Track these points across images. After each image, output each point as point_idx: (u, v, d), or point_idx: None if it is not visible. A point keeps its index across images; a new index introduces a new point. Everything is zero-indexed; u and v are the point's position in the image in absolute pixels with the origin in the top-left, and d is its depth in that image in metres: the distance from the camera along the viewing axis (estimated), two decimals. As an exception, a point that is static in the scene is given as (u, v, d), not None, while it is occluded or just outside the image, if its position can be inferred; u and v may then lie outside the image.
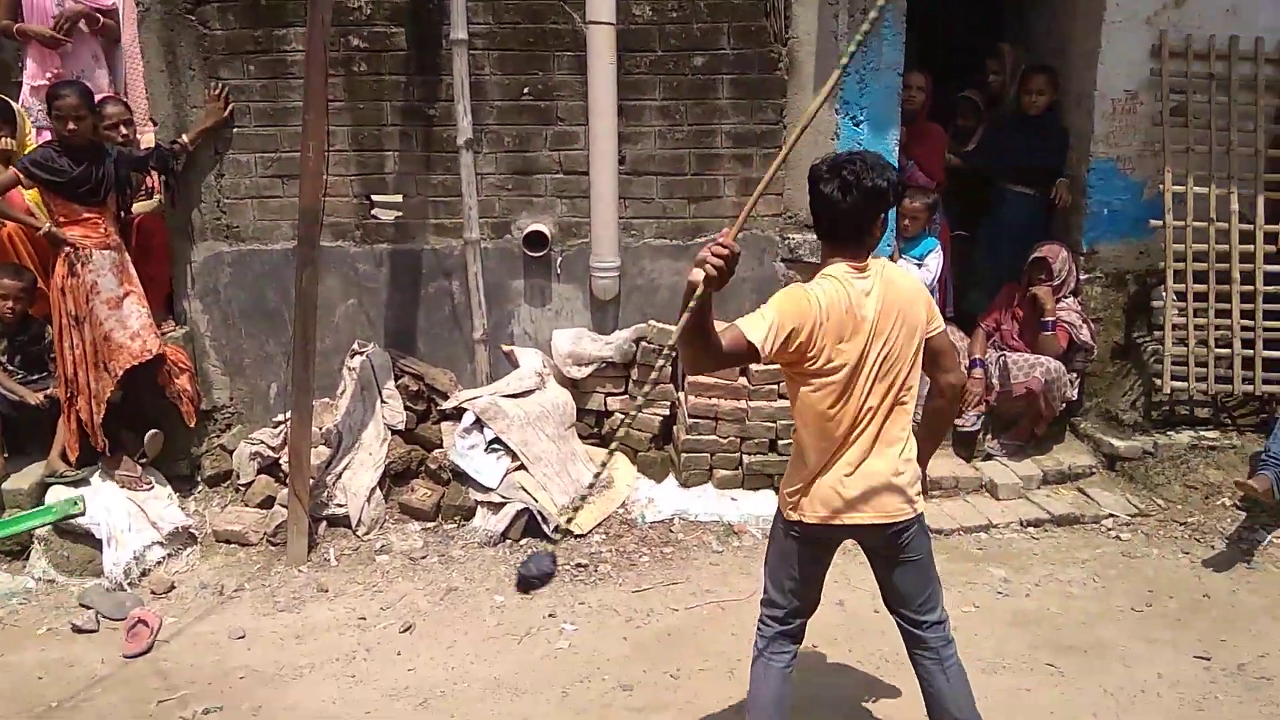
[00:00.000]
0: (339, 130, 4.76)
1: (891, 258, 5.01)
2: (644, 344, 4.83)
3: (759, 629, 2.89)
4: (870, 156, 2.57)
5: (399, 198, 4.93)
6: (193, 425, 4.74)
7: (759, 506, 4.61)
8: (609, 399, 4.93)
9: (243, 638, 3.80)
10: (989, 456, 5.09)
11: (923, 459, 2.76)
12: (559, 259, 4.96)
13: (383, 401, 4.78)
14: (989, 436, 5.14)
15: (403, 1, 4.66)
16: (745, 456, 4.71)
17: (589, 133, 4.75)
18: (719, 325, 2.51)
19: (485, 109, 4.79)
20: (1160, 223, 4.97)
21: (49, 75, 4.91)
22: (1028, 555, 4.37)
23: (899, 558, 2.73)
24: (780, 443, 4.68)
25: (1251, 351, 4.95)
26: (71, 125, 4.12)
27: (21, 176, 4.13)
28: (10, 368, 4.48)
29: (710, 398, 4.65)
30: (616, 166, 4.79)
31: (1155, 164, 5.05)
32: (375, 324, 5.01)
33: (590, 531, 4.47)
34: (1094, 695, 3.36)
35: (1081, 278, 5.19)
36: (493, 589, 4.08)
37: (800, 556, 2.78)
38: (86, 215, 4.27)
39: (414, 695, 3.40)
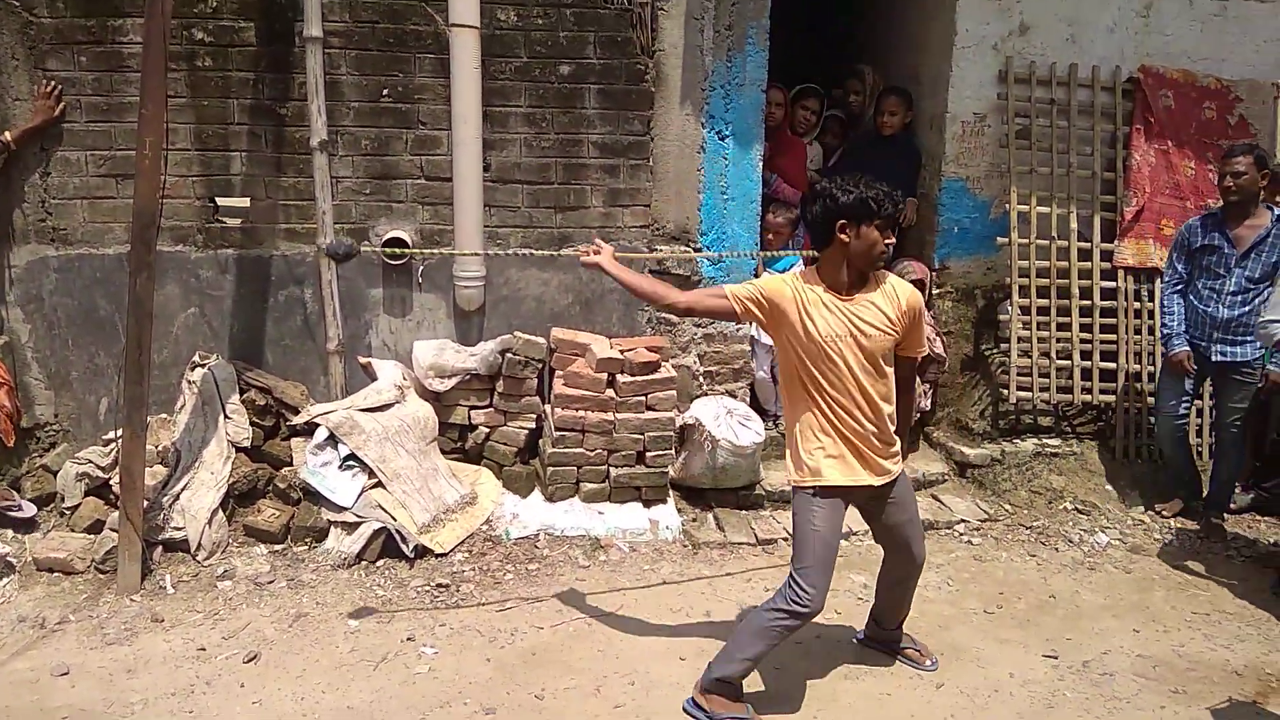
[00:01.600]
0: (181, 128, 4.48)
1: (756, 271, 5.08)
2: (510, 356, 4.71)
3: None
4: (850, 178, 3.04)
5: (246, 201, 4.66)
6: (11, 444, 4.33)
7: (627, 519, 4.56)
8: (473, 412, 4.79)
9: (66, 674, 3.46)
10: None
11: None
12: (420, 267, 4.80)
13: (226, 417, 4.48)
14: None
15: (252, -6, 4.43)
16: (612, 469, 4.65)
17: (452, 138, 4.62)
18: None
19: (341, 110, 4.59)
20: (1006, 240, 5.21)
21: None
22: (887, 562, 4.46)
23: None
24: (649, 454, 4.64)
25: (1089, 363, 5.25)
26: None
27: None
28: None
29: (577, 410, 4.57)
30: (481, 173, 4.67)
31: (1001, 184, 5.30)
32: (219, 334, 4.71)
33: (452, 550, 4.30)
34: (951, 696, 3.43)
35: (934, 292, 5.38)
36: (346, 613, 3.86)
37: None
38: None
39: (258, 730, 3.17)
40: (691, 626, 3.84)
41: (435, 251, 4.67)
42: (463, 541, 4.35)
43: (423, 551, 4.26)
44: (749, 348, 5.16)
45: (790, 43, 5.45)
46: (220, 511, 4.27)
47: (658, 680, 3.46)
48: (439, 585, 4.07)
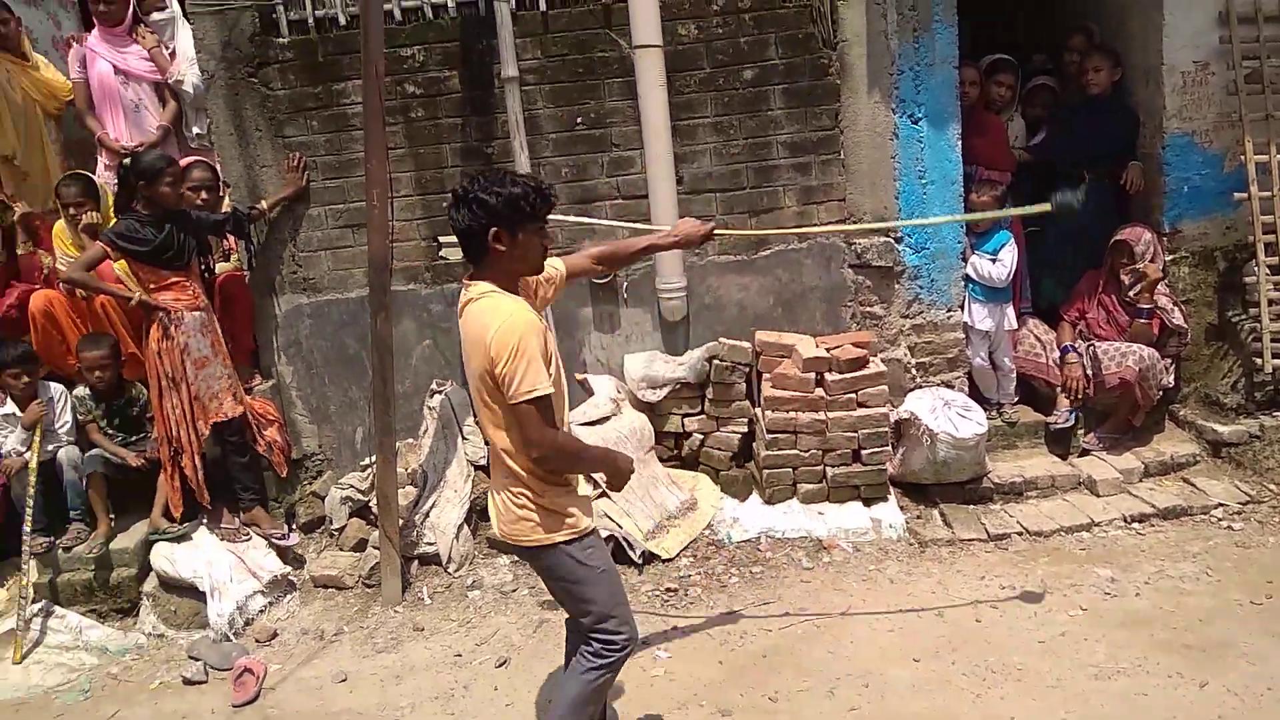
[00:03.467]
0: (402, 176, 4.87)
1: (963, 255, 4.91)
2: (717, 362, 4.80)
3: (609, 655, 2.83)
4: (495, 173, 2.63)
5: (464, 237, 4.99)
6: (284, 475, 4.86)
7: (847, 519, 4.53)
8: (686, 420, 4.91)
9: (345, 680, 3.87)
10: (1085, 452, 4.91)
11: None
12: (625, 284, 4.97)
13: (464, 438, 4.84)
14: (1084, 431, 4.96)
15: (454, 46, 4.75)
16: (829, 469, 4.63)
17: (645, 156, 4.76)
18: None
19: (541, 142, 4.84)
20: (1245, 195, 4.75)
21: (130, 144, 5.15)
22: (1134, 552, 4.19)
23: None
24: (864, 452, 4.59)
25: (1358, 320, 4.69)
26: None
27: (109, 249, 4.30)
28: (110, 431, 4.67)
29: (788, 411, 4.60)
30: (675, 187, 4.78)
31: (1233, 134, 4.84)
32: (451, 363, 5.08)
33: (677, 555, 4.44)
34: (1217, 696, 3.19)
35: (1166, 259, 4.99)
36: (584, 619, 4.08)
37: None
38: (174, 280, 4.41)
39: (514, 731, 3.42)
40: (923, 626, 3.78)
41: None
42: (687, 546, 4.48)
43: (650, 557, 4.42)
44: (963, 335, 4.98)
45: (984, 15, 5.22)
46: (465, 526, 4.62)
47: (892, 682, 3.43)
48: (667, 590, 4.21)
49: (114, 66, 5.14)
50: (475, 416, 2.67)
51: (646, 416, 4.88)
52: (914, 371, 5.00)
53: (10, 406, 4.54)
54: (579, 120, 4.83)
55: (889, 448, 4.66)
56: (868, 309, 4.96)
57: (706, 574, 4.32)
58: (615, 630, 2.81)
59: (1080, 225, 5.14)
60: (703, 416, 4.89)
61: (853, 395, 4.56)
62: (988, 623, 3.75)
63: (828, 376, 4.57)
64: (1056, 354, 4.96)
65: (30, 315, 4.73)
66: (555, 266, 2.95)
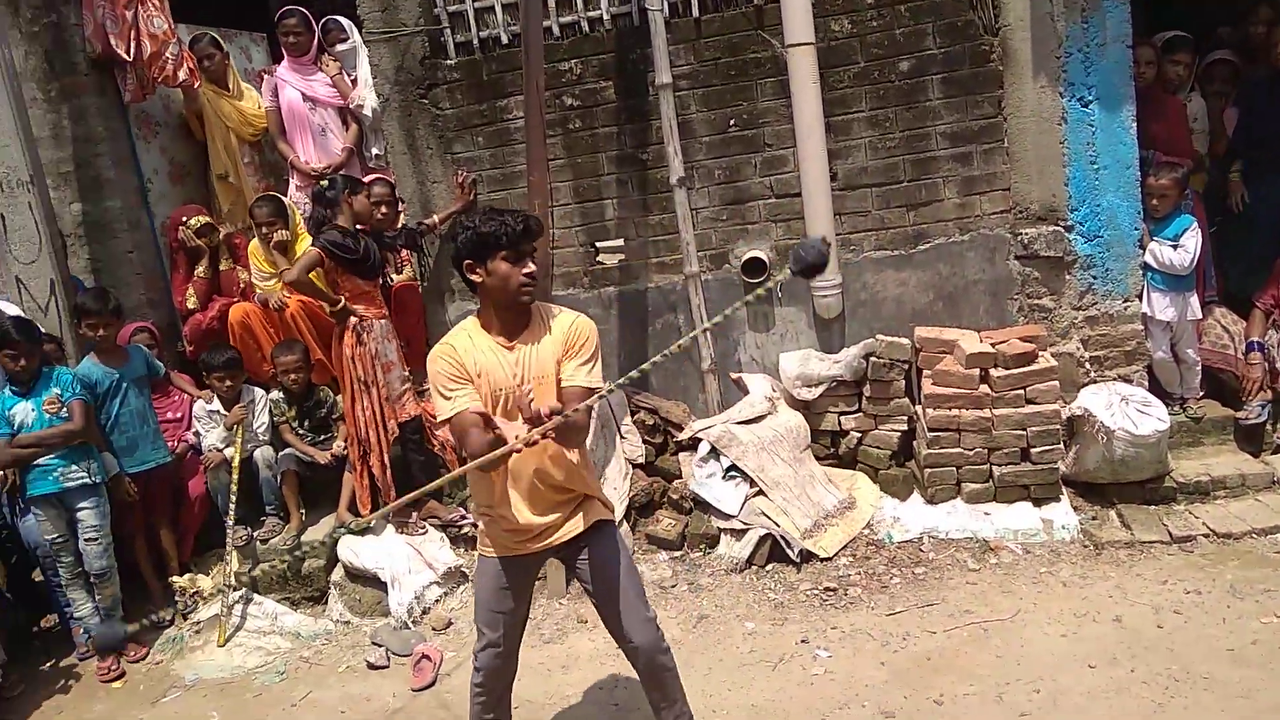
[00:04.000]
0: (561, 186, 5.05)
1: (1140, 242, 4.64)
2: (874, 359, 4.73)
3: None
4: (479, 212, 2.89)
5: (620, 241, 5.14)
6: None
7: (1016, 520, 4.37)
8: (843, 418, 4.86)
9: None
10: (1279, 449, 4.55)
11: None
12: (779, 282, 4.98)
13: (621, 437, 4.97)
14: (1277, 427, 4.60)
15: (609, 57, 4.89)
16: (995, 468, 4.48)
17: (798, 154, 4.75)
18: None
19: (694, 146, 4.91)
20: None
21: (318, 166, 5.59)
22: (1339, 557, 3.86)
23: None
24: (1034, 450, 4.42)
25: None
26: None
27: (324, 255, 4.58)
28: (300, 431, 5.06)
29: (950, 408, 4.48)
30: (829, 184, 4.75)
31: None
32: (608, 363, 5.20)
33: (836, 554, 4.40)
34: None
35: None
36: (743, 615, 4.11)
37: None
38: (366, 289, 4.73)
39: (675, 723, 3.48)
40: (1099, 632, 3.61)
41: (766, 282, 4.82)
42: (845, 545, 4.44)
43: (807, 556, 4.40)
44: (1141, 326, 4.71)
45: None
46: (625, 523, 4.74)
47: (1065, 689, 3.30)
48: (827, 589, 4.19)
49: (302, 94, 5.58)
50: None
51: (802, 415, 4.86)
52: (1088, 366, 4.76)
53: (215, 404, 4.99)
54: (731, 122, 4.88)
55: (1061, 446, 4.46)
56: (1036, 301, 4.77)
57: (867, 574, 4.27)
58: (477, 635, 3.09)
59: (1275, 209, 4.77)
60: (860, 414, 4.83)
61: (1020, 391, 4.39)
62: (1170, 629, 3.54)
63: (993, 373, 4.42)
64: (1243, 346, 4.62)
65: (229, 326, 5.19)
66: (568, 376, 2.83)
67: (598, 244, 5.17)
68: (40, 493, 4.36)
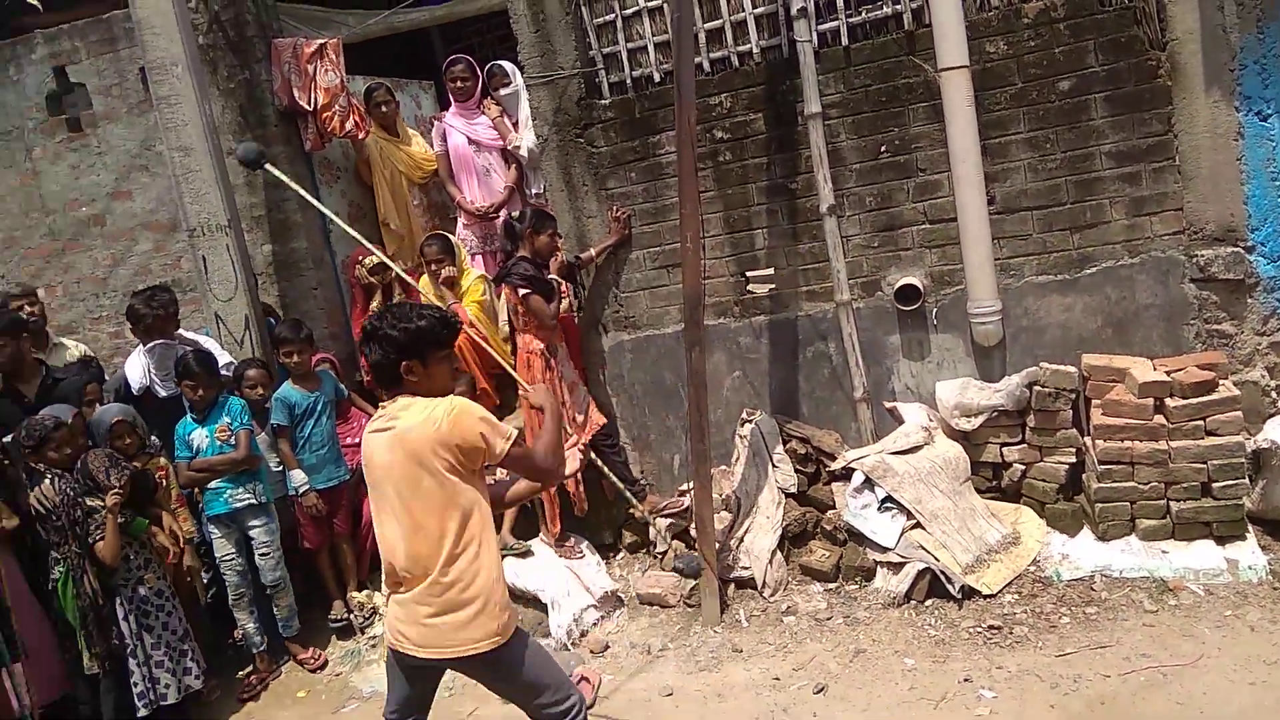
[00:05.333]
0: (712, 217, 5.14)
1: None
2: (1038, 388, 4.57)
3: None
4: (401, 309, 2.93)
5: (770, 271, 5.17)
6: (613, 497, 5.27)
7: (1197, 559, 4.13)
8: (1005, 449, 4.71)
9: (670, 695, 4.12)
10: None
11: None
12: (934, 309, 4.89)
13: (774, 466, 4.98)
14: None
15: (759, 90, 4.96)
16: (1172, 503, 4.25)
17: (952, 178, 4.67)
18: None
19: (844, 174, 4.91)
20: None
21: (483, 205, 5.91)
22: None
23: None
24: (1215, 485, 4.17)
25: None
26: (546, 239, 4.96)
27: (521, 286, 4.82)
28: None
29: (1122, 440, 4.28)
30: (985, 208, 4.65)
31: None
32: (760, 392, 5.26)
33: (1000, 591, 4.27)
34: None
35: None
36: (901, 651, 4.05)
37: None
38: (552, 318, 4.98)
39: (833, 758, 3.48)
40: None
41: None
42: (1010, 582, 4.30)
43: (969, 592, 4.29)
44: (1338, 352, 4.38)
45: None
46: (778, 552, 4.76)
47: (1257, 743, 3.10)
48: (991, 627, 4.07)
49: (467, 138, 5.91)
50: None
51: (961, 446, 4.75)
52: (1274, 395, 4.46)
53: None
54: (883, 148, 4.84)
55: (1246, 480, 4.19)
56: (1215, 327, 4.50)
57: (1034, 612, 4.12)
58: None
59: None
60: (1024, 446, 4.67)
61: (1200, 422, 4.16)
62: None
63: (1169, 402, 4.21)
64: None
65: (402, 357, 5.52)
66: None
67: (748, 273, 5.22)
68: (215, 513, 4.78)
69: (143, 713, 4.31)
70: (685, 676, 4.24)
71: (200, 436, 4.76)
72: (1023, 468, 4.68)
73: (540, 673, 3.03)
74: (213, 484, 4.76)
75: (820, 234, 4.94)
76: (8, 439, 4.33)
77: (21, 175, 6.39)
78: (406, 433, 2.81)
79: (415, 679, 3.10)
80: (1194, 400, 4.15)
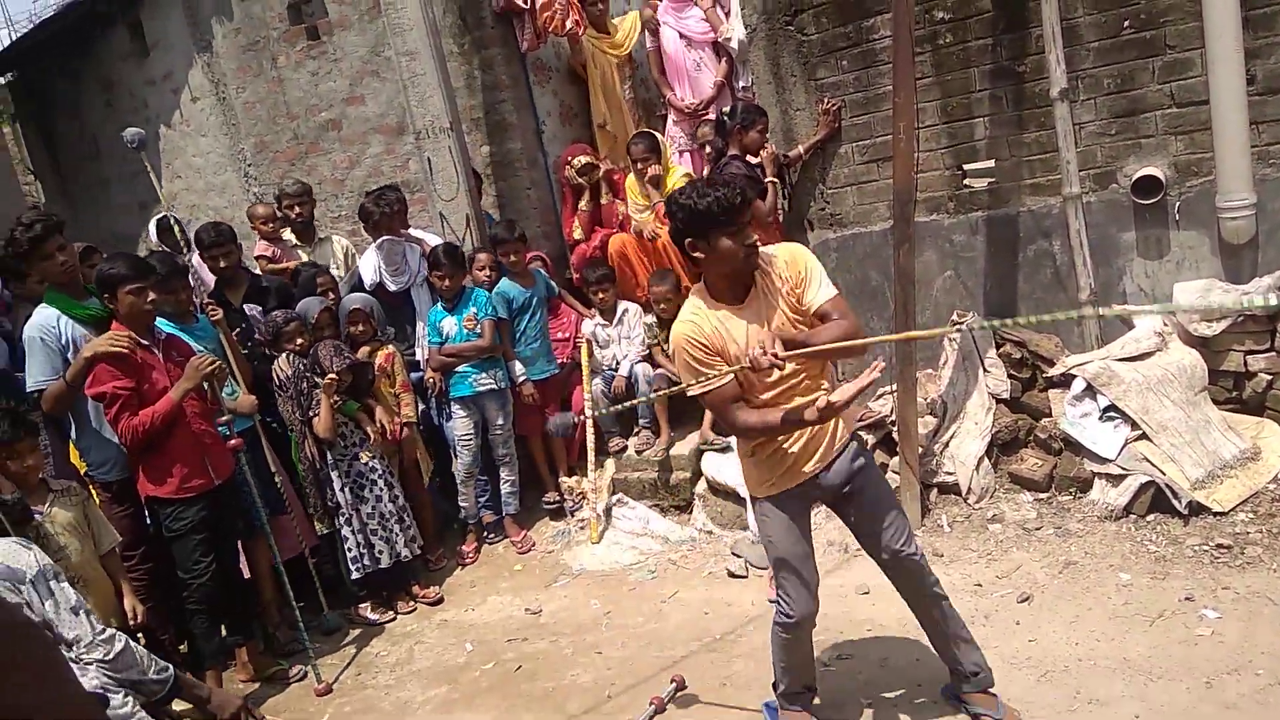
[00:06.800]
0: (927, 106, 4.87)
1: None
2: (1296, 291, 4.11)
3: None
4: (688, 186, 2.80)
5: (990, 163, 4.86)
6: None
7: None
8: (1249, 358, 4.29)
9: (867, 593, 4.13)
10: None
11: None
12: (1176, 203, 4.45)
13: (985, 371, 4.78)
14: None
15: (984, -36, 4.59)
16: None
17: (1205, 56, 4.18)
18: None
19: (1079, 54, 4.49)
20: None
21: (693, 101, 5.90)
22: None
23: None
24: None
25: None
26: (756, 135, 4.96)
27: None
28: (670, 355, 5.46)
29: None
30: (1244, 89, 4.13)
31: None
32: (973, 293, 5.02)
33: (1233, 509, 3.96)
34: None
35: None
36: (1117, 566, 3.86)
37: None
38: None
39: (1035, 666, 3.39)
40: None
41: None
42: (1245, 500, 3.98)
43: (1197, 509, 4.01)
44: None
45: None
46: (985, 459, 4.60)
47: None
48: (1219, 546, 3.80)
49: (679, 34, 5.85)
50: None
51: (1198, 353, 4.36)
52: None
53: (597, 317, 5.56)
54: (1126, 23, 4.39)
55: None
56: None
57: (1270, 532, 3.81)
58: (783, 597, 3.05)
59: None
60: (1271, 354, 4.24)
61: None
62: None
63: None
64: None
65: (609, 255, 5.68)
66: (811, 301, 2.89)
67: (965, 166, 4.94)
68: (458, 395, 5.21)
69: (355, 575, 4.81)
70: (880, 576, 4.21)
71: (449, 324, 5.18)
72: (1269, 378, 4.25)
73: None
74: (459, 369, 5.17)
75: (1049, 121, 4.57)
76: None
77: (269, 83, 6.94)
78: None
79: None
80: None
